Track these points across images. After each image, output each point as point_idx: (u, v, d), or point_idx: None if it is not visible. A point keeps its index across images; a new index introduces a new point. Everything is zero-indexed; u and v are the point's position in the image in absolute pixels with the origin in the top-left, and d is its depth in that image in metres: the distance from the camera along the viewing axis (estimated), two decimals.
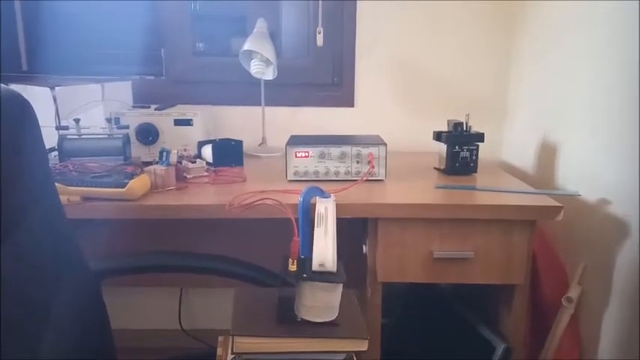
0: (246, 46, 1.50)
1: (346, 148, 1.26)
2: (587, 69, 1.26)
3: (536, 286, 1.27)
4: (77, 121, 1.26)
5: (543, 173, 1.47)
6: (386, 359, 1.21)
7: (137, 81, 1.73)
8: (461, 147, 1.35)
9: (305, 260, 0.84)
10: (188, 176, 1.31)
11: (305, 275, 0.80)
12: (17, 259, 0.75)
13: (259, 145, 1.72)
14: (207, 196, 1.16)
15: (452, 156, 1.36)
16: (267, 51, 1.48)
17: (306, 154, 1.26)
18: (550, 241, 1.34)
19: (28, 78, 1.61)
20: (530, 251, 1.12)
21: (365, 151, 1.26)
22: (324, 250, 0.83)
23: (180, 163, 1.33)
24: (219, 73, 1.77)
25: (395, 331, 1.45)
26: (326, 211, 0.98)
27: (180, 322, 1.86)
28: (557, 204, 1.08)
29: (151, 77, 1.76)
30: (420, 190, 1.20)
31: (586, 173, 1.25)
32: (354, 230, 1.23)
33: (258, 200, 1.06)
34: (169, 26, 1.76)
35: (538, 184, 1.45)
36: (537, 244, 1.24)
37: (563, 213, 1.07)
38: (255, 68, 1.51)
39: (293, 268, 0.81)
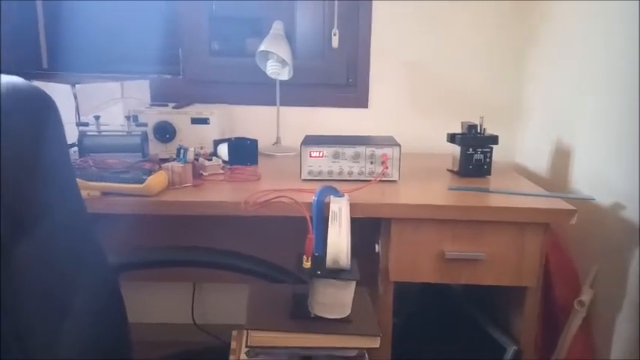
0: (263, 47, 1.52)
1: (360, 149, 1.27)
2: (600, 74, 1.26)
3: (548, 289, 1.27)
4: (97, 117, 1.28)
5: (557, 177, 1.47)
6: (397, 358, 1.21)
7: (155, 80, 1.76)
8: (475, 149, 1.36)
9: (319, 257, 0.86)
10: (204, 174, 1.33)
11: (319, 272, 0.81)
12: (39, 254, 0.77)
13: (274, 144, 1.74)
14: (223, 193, 1.18)
15: (465, 158, 1.36)
16: (284, 52, 1.50)
17: (321, 153, 1.28)
18: (563, 244, 1.34)
19: (48, 75, 1.65)
20: (543, 254, 1.12)
21: (379, 151, 1.27)
22: (338, 247, 0.85)
23: (197, 160, 1.35)
24: (235, 74, 1.79)
25: (406, 331, 1.45)
26: (340, 210, 1.00)
27: (193, 317, 1.88)
28: (571, 207, 1.08)
29: (169, 76, 1.79)
30: (434, 192, 1.21)
31: (599, 177, 1.25)
32: (367, 229, 1.24)
33: (273, 198, 1.07)
34: (187, 27, 1.78)
35: (551, 188, 1.45)
36: (550, 246, 1.24)
37: (578, 217, 1.07)
38: (271, 69, 1.53)
39: (307, 265, 0.83)
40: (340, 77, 1.79)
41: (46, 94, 0.85)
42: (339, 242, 0.86)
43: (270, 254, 1.09)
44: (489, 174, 1.37)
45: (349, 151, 1.27)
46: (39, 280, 0.77)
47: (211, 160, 1.38)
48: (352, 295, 0.83)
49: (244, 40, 1.90)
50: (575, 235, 1.33)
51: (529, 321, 1.17)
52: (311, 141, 1.32)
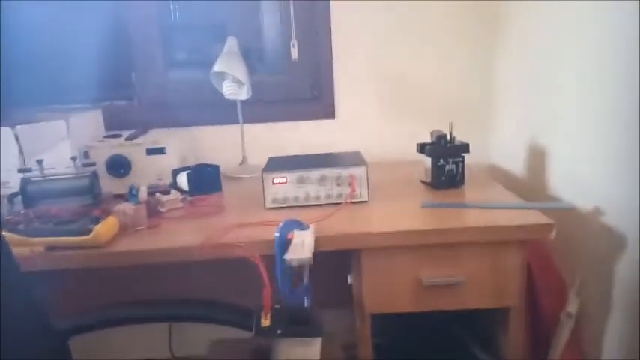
0: (217, 68, 1.43)
1: (326, 171, 1.19)
2: (573, 70, 1.20)
3: (534, 301, 1.21)
4: (40, 162, 1.19)
5: (533, 179, 1.41)
6: None
7: (109, 108, 1.66)
8: (446, 160, 1.29)
9: (280, 310, 0.78)
10: (162, 210, 1.24)
11: (279, 331, 0.74)
12: None
13: (240, 164, 1.65)
14: (180, 234, 1.10)
15: (437, 170, 1.29)
16: (239, 71, 1.42)
17: (284, 179, 1.20)
18: (547, 253, 1.28)
19: None
20: (524, 271, 1.06)
21: (345, 172, 1.20)
22: (299, 246, 0.78)
23: (154, 195, 1.27)
24: (194, 93, 1.70)
25: (390, 351, 1.38)
26: (302, 242, 0.93)
27: (171, 350, 1.80)
28: (549, 222, 1.02)
29: (122, 102, 1.69)
30: (406, 212, 1.14)
31: (576, 179, 1.19)
32: (338, 259, 1.16)
33: (228, 246, 0.99)
34: (138, 49, 1.69)
35: (529, 192, 1.39)
36: (534, 257, 1.19)
37: (558, 225, 1.01)
38: (227, 90, 1.45)
39: (266, 322, 0.75)
40: (304, 90, 1.71)
41: None
42: (299, 243, 0.78)
43: (240, 288, 1.01)
44: (463, 184, 1.31)
45: (314, 174, 1.20)
46: None
47: (170, 193, 1.30)
48: (319, 352, 0.76)
49: (212, 47, 1.79)
50: (557, 243, 1.27)
51: (515, 340, 1.11)
52: (273, 167, 1.24)
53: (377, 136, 1.71)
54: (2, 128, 1.28)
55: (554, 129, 1.30)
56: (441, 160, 1.29)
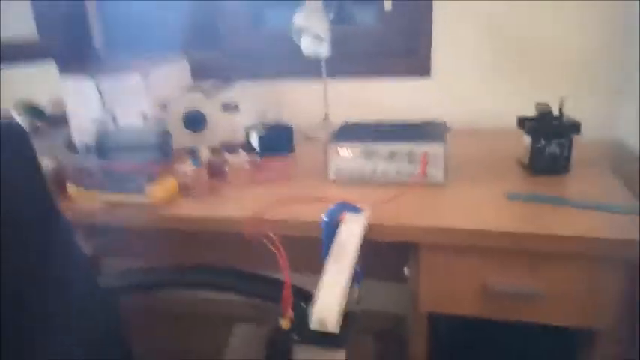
0: (297, 22, 1.31)
1: (396, 147, 1.06)
2: None
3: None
4: (113, 114, 1.21)
5: None
6: None
7: (194, 57, 1.64)
8: (548, 141, 1.07)
9: (305, 311, 0.70)
10: (227, 170, 1.21)
11: (296, 337, 0.66)
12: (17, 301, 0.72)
13: (322, 120, 1.56)
14: (237, 202, 1.05)
15: (535, 152, 1.09)
16: (319, 27, 1.29)
17: (350, 152, 1.09)
18: None
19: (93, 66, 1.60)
20: (623, 290, 0.86)
21: (418, 149, 1.05)
22: (328, 306, 0.68)
23: (225, 152, 1.25)
24: (280, 44, 1.60)
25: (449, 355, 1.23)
26: (348, 239, 0.82)
27: None
28: None
29: (207, 52, 1.67)
30: (486, 202, 0.97)
31: None
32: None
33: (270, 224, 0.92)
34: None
35: None
36: None
37: None
38: (306, 46, 1.33)
39: (285, 324, 0.68)
40: (397, 43, 1.53)
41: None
42: (330, 299, 0.69)
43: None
44: (568, 171, 1.09)
45: (383, 149, 1.07)
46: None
47: (238, 152, 1.26)
48: None
49: None
50: None
51: None
52: (343, 135, 1.14)
53: (476, 99, 1.50)
54: (86, 80, 1.31)
55: None
56: (542, 141, 1.08)
